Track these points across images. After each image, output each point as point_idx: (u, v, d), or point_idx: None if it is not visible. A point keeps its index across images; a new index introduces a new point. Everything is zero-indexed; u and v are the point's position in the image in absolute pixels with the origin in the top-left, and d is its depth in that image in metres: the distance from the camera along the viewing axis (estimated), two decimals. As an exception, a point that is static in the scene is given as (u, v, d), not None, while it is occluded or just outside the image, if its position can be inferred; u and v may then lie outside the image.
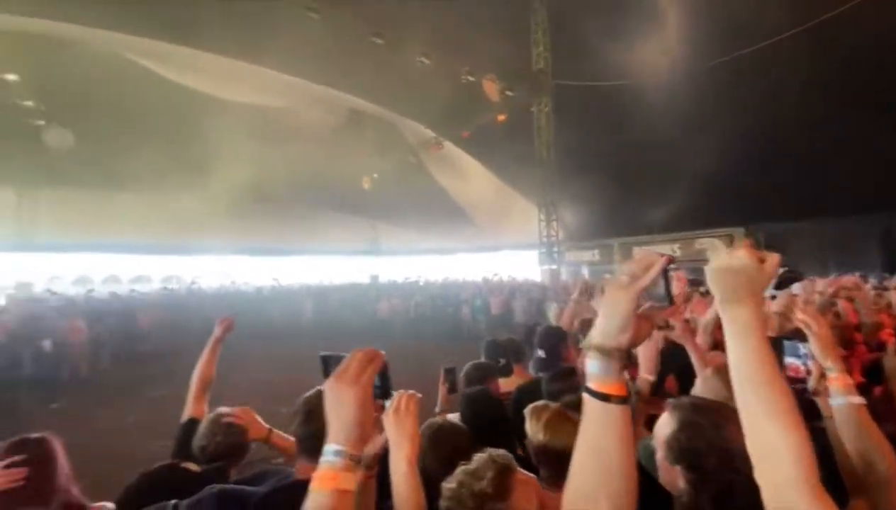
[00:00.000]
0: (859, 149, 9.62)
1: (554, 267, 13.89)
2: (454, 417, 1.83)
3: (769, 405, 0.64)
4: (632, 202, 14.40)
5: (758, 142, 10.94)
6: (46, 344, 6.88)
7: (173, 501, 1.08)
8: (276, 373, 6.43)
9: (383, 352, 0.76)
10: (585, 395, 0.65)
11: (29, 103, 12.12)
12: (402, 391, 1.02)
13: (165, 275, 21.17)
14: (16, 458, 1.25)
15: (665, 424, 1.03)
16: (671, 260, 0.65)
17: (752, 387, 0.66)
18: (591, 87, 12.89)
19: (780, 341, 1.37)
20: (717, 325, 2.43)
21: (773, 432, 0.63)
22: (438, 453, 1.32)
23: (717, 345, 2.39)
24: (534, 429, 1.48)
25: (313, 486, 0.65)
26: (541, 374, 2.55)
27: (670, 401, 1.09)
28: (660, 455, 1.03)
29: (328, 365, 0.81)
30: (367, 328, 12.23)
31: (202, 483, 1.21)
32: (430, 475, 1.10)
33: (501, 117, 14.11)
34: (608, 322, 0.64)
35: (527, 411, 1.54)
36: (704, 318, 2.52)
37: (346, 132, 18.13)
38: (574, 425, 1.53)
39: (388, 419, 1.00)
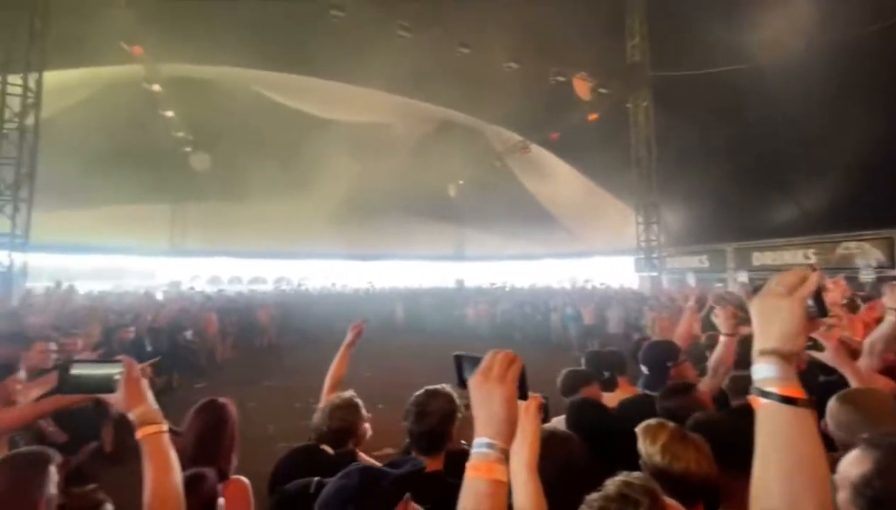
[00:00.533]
0: None
1: (654, 274, 12.70)
2: (559, 421, 1.76)
3: None
4: (749, 201, 12.57)
5: None
6: (189, 333, 8.16)
7: (316, 478, 1.19)
8: (372, 372, 6.83)
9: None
10: (769, 401, 0.64)
11: (180, 134, 14.67)
12: (534, 395, 1.01)
13: (277, 277, 23.94)
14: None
15: (856, 462, 0.87)
16: (822, 274, 0.62)
17: None
18: (698, 76, 11.60)
19: None
20: (889, 345, 1.99)
21: None
22: (554, 461, 1.28)
23: (890, 369, 1.96)
24: (649, 451, 1.36)
25: (470, 474, 0.68)
26: (647, 392, 2.35)
27: (865, 436, 0.91)
28: (842, 496, 0.87)
29: (462, 364, 0.85)
30: (455, 331, 12.43)
31: (336, 463, 1.34)
32: (545, 482, 1.07)
33: (593, 116, 13.40)
34: (783, 327, 0.64)
35: (639, 430, 1.42)
36: (872, 336, 2.07)
37: (435, 142, 18.76)
38: (696, 449, 1.36)
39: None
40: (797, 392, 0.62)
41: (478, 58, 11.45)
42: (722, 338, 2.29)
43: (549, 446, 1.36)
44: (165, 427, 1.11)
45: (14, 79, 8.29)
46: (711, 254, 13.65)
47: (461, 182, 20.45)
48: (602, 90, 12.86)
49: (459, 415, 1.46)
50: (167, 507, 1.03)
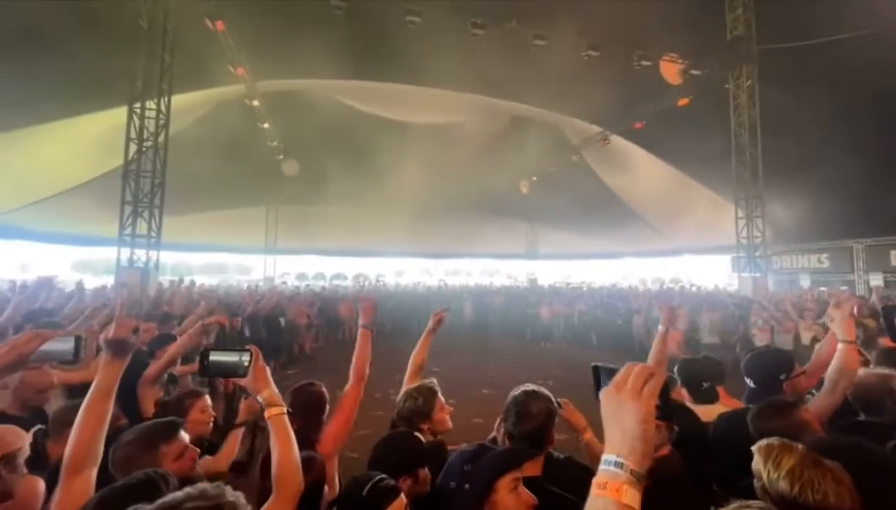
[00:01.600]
0: None
1: (757, 275, 11.24)
2: None
3: None
4: (882, 191, 10.58)
5: None
6: (282, 321, 8.95)
7: (377, 476, 1.23)
8: (441, 368, 6.93)
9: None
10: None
11: (274, 143, 16.17)
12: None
13: (356, 273, 25.44)
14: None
15: None
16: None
17: None
18: (812, 48, 9.98)
19: None
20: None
21: None
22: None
23: None
24: (772, 475, 1.17)
25: (596, 492, 0.63)
26: (750, 406, 2.06)
27: None
28: None
29: (598, 375, 0.82)
30: (527, 331, 12.16)
31: (426, 449, 1.40)
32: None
33: (684, 101, 12.23)
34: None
35: (757, 448, 1.22)
36: (829, 371, 1.85)
37: (508, 138, 18.52)
38: (836, 479, 1.15)
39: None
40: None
41: (554, 48, 11.03)
42: (840, 346, 1.87)
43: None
44: (285, 409, 1.27)
45: (150, 104, 9.78)
46: (833, 252, 11.75)
47: (534, 178, 19.96)
48: (694, 71, 11.68)
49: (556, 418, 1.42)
50: (292, 478, 1.19)
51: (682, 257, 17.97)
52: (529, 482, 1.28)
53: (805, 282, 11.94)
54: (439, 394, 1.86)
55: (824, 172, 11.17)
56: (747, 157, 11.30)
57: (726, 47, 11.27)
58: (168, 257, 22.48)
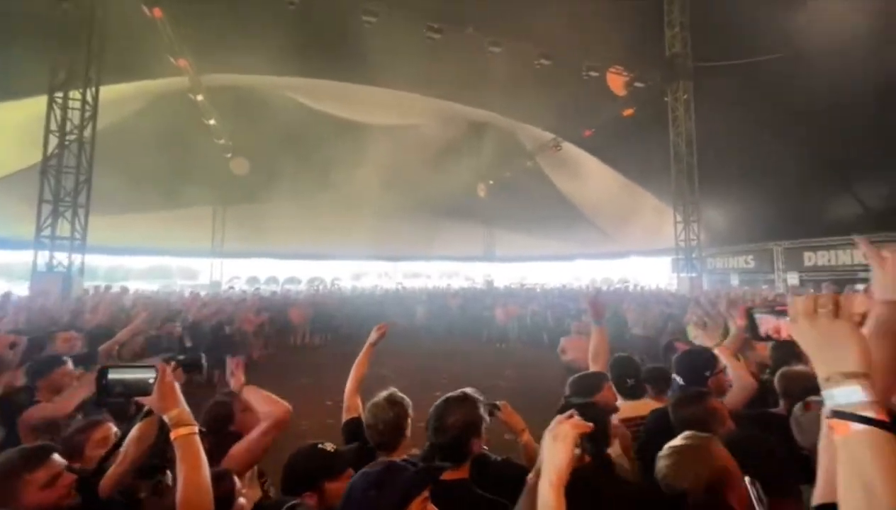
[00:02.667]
0: None
1: (693, 275, 12.10)
2: None
3: None
4: (802, 198, 11.76)
5: None
6: (227, 329, 8.51)
7: (292, 502, 1.20)
8: (396, 373, 6.87)
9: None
10: (858, 426, 0.60)
11: (222, 141, 15.37)
12: (565, 415, 0.97)
13: (311, 277, 24.70)
14: None
15: None
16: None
17: None
18: (742, 66, 10.95)
19: None
20: None
21: None
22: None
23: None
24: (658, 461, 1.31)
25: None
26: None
27: None
28: None
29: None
30: (483, 332, 12.32)
31: (336, 459, 1.35)
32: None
33: (629, 111, 12.94)
34: (855, 348, 0.64)
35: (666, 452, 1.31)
36: None
37: (465, 142, 18.74)
38: (695, 460, 1.25)
39: (544, 441, 0.96)
40: (885, 414, 0.60)
41: (508, 56, 11.31)
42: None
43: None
44: (196, 428, 1.18)
45: (74, 94, 8.98)
46: (757, 253, 12.88)
47: (491, 182, 20.33)
48: (638, 84, 12.39)
49: (486, 422, 1.41)
50: (199, 503, 1.09)
51: (629, 259, 18.96)
52: (455, 485, 1.29)
53: (734, 281, 13.01)
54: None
55: (752, 181, 12.24)
56: (685, 166, 12.14)
57: (665, 63, 12.06)
58: (102, 261, 20.74)
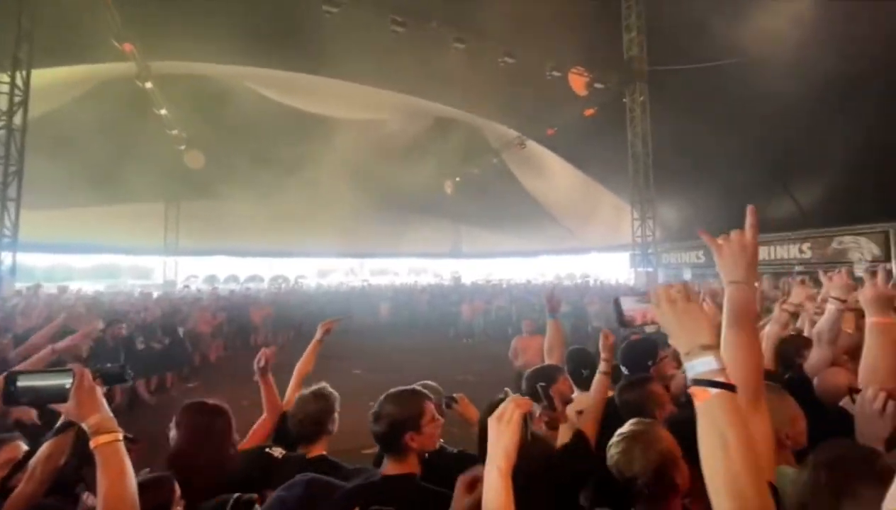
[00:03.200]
0: None
1: (650, 270, 12.67)
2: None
3: None
4: (746, 196, 12.48)
5: None
6: (181, 331, 8.12)
7: (235, 495, 1.16)
8: (363, 370, 6.81)
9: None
10: (713, 390, 0.69)
11: (175, 132, 14.54)
12: (514, 396, 0.96)
13: (274, 275, 23.93)
14: None
15: None
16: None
17: None
18: (694, 71, 11.53)
19: None
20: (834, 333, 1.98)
21: None
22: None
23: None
24: (610, 449, 1.36)
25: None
26: None
27: None
28: None
29: (620, 305, 0.92)
30: (449, 328, 12.40)
31: (283, 466, 1.31)
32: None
33: (590, 111, 13.34)
34: (705, 324, 0.75)
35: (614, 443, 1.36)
36: (817, 326, 2.08)
37: (431, 139, 18.70)
38: (643, 446, 1.32)
39: (491, 425, 0.94)
40: (730, 381, 0.71)
41: (473, 53, 11.36)
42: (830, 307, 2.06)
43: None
44: (121, 435, 1.09)
45: (2, 77, 8.21)
46: (707, 249, 13.57)
47: (457, 179, 20.42)
48: (598, 85, 12.78)
49: (432, 417, 1.40)
50: None
51: (590, 255, 19.61)
52: (399, 480, 1.30)
53: (687, 275, 13.72)
54: (431, 402, 1.51)
55: (701, 181, 12.93)
56: (641, 165, 12.66)
57: (623, 66, 12.51)
58: (40, 260, 19.18)
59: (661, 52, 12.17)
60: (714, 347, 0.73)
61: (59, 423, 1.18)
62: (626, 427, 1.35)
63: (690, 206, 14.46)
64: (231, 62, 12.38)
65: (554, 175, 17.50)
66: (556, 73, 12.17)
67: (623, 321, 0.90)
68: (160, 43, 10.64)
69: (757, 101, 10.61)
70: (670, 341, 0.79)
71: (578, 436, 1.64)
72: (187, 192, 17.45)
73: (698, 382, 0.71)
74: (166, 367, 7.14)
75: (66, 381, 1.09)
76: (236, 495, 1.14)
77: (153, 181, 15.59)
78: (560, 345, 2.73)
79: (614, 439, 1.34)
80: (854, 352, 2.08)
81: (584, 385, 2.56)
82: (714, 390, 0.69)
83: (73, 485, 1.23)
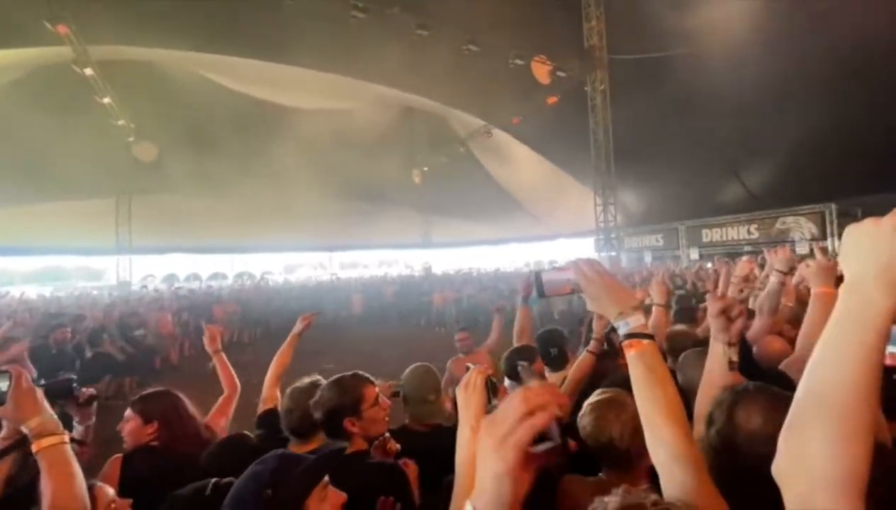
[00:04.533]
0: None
1: (613, 254, 13.14)
2: None
3: (848, 420, 0.51)
4: (700, 182, 13.21)
5: (848, 108, 9.42)
6: (140, 333, 7.74)
7: (213, 479, 1.14)
8: (335, 364, 6.73)
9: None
10: (646, 340, 0.83)
11: (121, 122, 13.61)
12: (475, 367, 1.00)
13: (239, 272, 23.10)
14: None
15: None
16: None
17: (839, 397, 0.52)
18: (651, 60, 11.90)
19: None
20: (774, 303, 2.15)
21: (831, 446, 0.51)
22: None
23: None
24: (584, 424, 1.39)
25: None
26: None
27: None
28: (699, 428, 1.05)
29: (540, 280, 0.97)
30: (421, 319, 12.43)
31: (257, 450, 1.30)
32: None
33: (552, 100, 13.54)
34: (624, 290, 0.89)
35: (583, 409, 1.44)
36: (760, 297, 2.23)
37: (398, 128, 18.45)
38: (617, 414, 1.40)
39: (459, 394, 0.99)
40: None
41: (436, 40, 11.23)
42: (654, 308, 2.39)
43: None
44: (66, 437, 1.05)
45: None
46: (666, 232, 14.30)
47: (426, 169, 20.30)
48: (560, 73, 12.97)
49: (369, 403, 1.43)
50: None
51: (558, 241, 20.08)
52: (352, 458, 1.32)
53: (647, 258, 14.35)
54: (372, 386, 1.51)
55: (659, 167, 13.46)
56: (603, 152, 13.02)
57: (584, 54, 12.75)
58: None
59: (620, 41, 12.48)
60: (639, 307, 0.86)
61: (2, 446, 1.10)
62: (595, 397, 1.42)
63: (650, 192, 15.07)
64: (180, 47, 11.70)
65: (520, 163, 17.72)
66: (519, 61, 12.24)
67: (542, 293, 0.97)
68: (99, 25, 9.88)
69: (708, 91, 11.13)
70: (594, 307, 0.92)
71: None
72: (140, 187, 16.43)
73: (632, 336, 0.84)
74: (125, 372, 6.79)
75: (2, 384, 1.04)
76: (214, 480, 1.12)
77: (101, 175, 14.61)
78: (528, 329, 2.82)
79: (584, 409, 1.40)
80: (794, 322, 2.27)
81: (554, 364, 2.67)
82: (645, 340, 0.83)
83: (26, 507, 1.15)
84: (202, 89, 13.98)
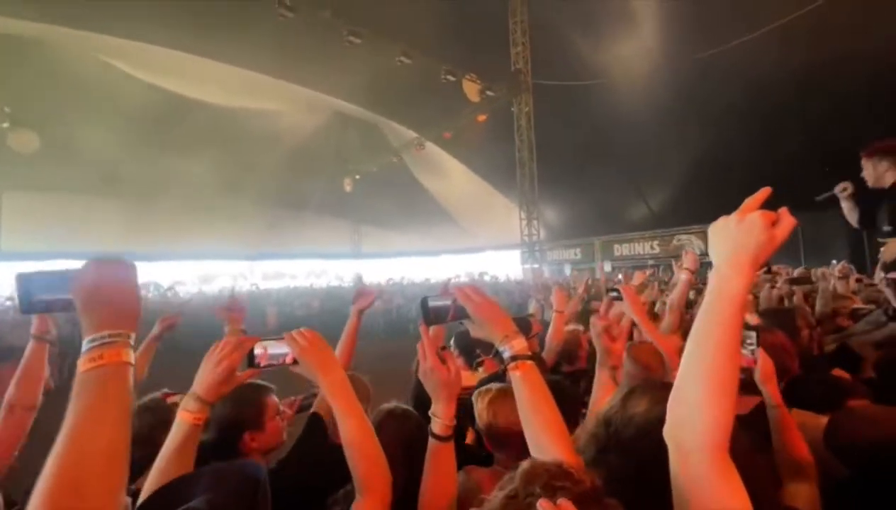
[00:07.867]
0: (847, 144, 9.68)
1: (536, 266, 13.89)
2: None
3: (716, 375, 0.62)
4: (612, 201, 14.55)
5: (740, 139, 11.00)
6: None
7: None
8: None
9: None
10: (529, 361, 0.90)
11: (-8, 105, 11.65)
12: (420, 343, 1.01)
13: (142, 282, 20.68)
14: None
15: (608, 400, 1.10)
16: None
17: (709, 357, 0.64)
18: (570, 87, 12.98)
19: None
20: (682, 299, 2.41)
21: (704, 399, 0.62)
22: (395, 438, 1.24)
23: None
24: (479, 410, 1.44)
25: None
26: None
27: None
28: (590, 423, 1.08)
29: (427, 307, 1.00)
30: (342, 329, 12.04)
31: None
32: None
33: (482, 117, 14.11)
34: (505, 316, 0.96)
35: (474, 395, 1.49)
36: (672, 293, 2.49)
37: (330, 134, 17.96)
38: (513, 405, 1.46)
39: (422, 374, 1.01)
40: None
41: (369, 49, 11.18)
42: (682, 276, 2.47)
43: (390, 423, 1.37)
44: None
45: None
46: (583, 246, 15.45)
47: (357, 177, 19.93)
48: (490, 93, 13.58)
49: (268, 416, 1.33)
50: None
51: (486, 253, 20.72)
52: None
53: (567, 270, 15.35)
54: (272, 395, 1.40)
55: (577, 186, 14.58)
56: (527, 170, 13.81)
57: (511, 77, 13.52)
58: None
59: (543, 67, 13.44)
60: (518, 332, 0.93)
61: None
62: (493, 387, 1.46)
63: (570, 209, 16.23)
64: (76, 26, 10.39)
65: (452, 176, 18.14)
66: (450, 78, 12.61)
67: (429, 321, 0.99)
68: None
69: (616, 119, 12.38)
70: (478, 333, 0.97)
71: None
72: (14, 182, 14.09)
73: (517, 358, 0.90)
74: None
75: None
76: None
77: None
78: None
79: (475, 396, 1.45)
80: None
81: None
82: (528, 362, 0.90)
83: None
84: (104, 77, 12.48)
